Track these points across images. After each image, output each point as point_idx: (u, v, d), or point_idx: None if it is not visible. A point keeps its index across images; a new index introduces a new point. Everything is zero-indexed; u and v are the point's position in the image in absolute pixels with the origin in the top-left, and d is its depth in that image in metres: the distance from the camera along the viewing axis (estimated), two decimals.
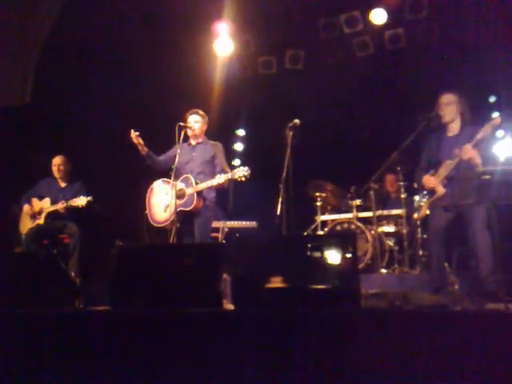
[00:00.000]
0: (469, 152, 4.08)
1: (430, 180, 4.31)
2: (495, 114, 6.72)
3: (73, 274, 5.03)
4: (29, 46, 6.69)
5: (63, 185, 5.79)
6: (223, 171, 4.62)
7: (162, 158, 4.98)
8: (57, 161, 5.80)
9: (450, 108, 4.34)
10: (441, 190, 4.24)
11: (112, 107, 6.70)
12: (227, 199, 4.85)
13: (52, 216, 5.54)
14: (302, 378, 2.50)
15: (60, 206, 5.42)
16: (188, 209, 4.61)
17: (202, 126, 4.96)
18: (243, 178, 4.42)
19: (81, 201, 5.32)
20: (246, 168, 4.44)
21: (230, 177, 4.46)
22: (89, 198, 5.33)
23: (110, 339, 2.84)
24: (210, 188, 4.67)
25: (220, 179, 4.49)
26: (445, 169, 4.24)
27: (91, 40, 6.75)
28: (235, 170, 4.45)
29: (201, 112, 4.96)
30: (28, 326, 3.00)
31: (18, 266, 3.61)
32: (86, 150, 6.58)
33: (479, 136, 4.10)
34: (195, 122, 4.90)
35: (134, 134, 4.74)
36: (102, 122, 6.74)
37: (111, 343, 2.83)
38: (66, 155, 5.88)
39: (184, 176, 4.71)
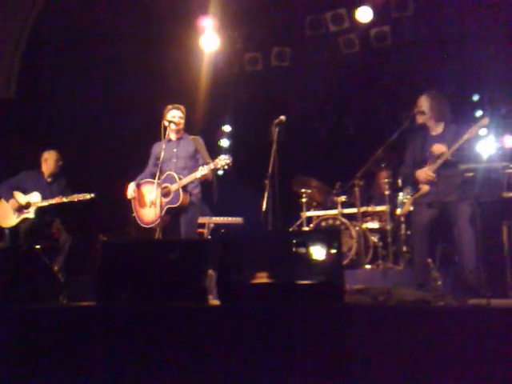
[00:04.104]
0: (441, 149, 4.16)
1: (424, 173, 4.28)
2: (479, 113, 6.85)
3: (56, 268, 5.00)
4: (14, 40, 6.63)
5: (49, 180, 5.74)
6: (206, 163, 4.60)
7: (149, 169, 4.94)
8: (54, 156, 5.72)
9: (431, 107, 4.36)
10: (425, 187, 4.28)
11: (98, 101, 6.66)
12: (212, 193, 4.84)
13: (42, 210, 5.51)
14: (286, 373, 2.52)
15: (58, 200, 5.41)
16: (176, 205, 4.59)
17: (184, 121, 4.95)
18: (226, 167, 4.41)
19: (84, 197, 5.35)
20: (228, 156, 4.44)
21: (212, 167, 4.46)
22: (92, 195, 5.36)
23: (94, 335, 2.83)
24: (194, 182, 4.66)
25: (203, 171, 4.48)
26: (430, 168, 4.27)
27: (77, 34, 6.71)
28: (217, 160, 4.44)
29: (182, 107, 4.94)
30: (10, 321, 2.98)
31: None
32: (71, 145, 6.53)
33: (466, 137, 4.13)
34: (180, 117, 4.88)
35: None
36: (88, 115, 6.70)
37: (96, 339, 2.81)
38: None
39: (166, 173, 4.68)
